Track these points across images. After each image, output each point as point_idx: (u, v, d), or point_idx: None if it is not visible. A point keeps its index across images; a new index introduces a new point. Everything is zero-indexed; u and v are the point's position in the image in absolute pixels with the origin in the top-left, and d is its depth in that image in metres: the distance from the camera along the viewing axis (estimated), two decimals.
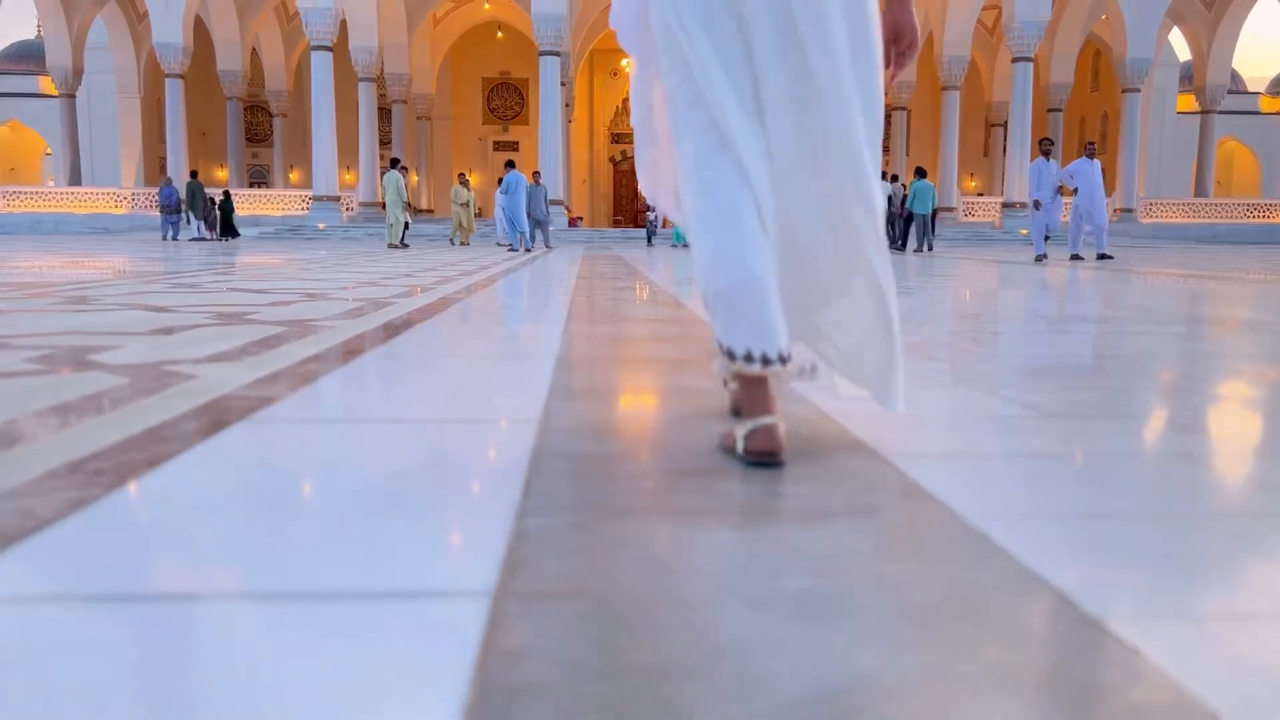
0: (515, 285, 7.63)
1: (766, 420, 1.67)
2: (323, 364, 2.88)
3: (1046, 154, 14.06)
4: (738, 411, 1.92)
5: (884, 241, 1.76)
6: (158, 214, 30.63)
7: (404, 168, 19.90)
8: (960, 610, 1.05)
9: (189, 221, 24.94)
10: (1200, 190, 37.92)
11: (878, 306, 1.76)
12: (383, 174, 20.86)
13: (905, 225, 20.75)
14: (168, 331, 3.70)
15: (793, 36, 1.65)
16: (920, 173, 21.22)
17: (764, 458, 1.66)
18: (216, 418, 2.03)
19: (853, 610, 1.05)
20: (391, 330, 3.92)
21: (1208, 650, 0.97)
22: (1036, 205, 14.04)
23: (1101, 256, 13.74)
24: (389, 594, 1.09)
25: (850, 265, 1.76)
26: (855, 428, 1.99)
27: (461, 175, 22.69)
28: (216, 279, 7.47)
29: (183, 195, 24.10)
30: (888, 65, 1.82)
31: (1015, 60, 28.97)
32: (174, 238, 23.83)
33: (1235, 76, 51.88)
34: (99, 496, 1.44)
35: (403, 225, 18.78)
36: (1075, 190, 14.01)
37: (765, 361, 1.67)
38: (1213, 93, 37.84)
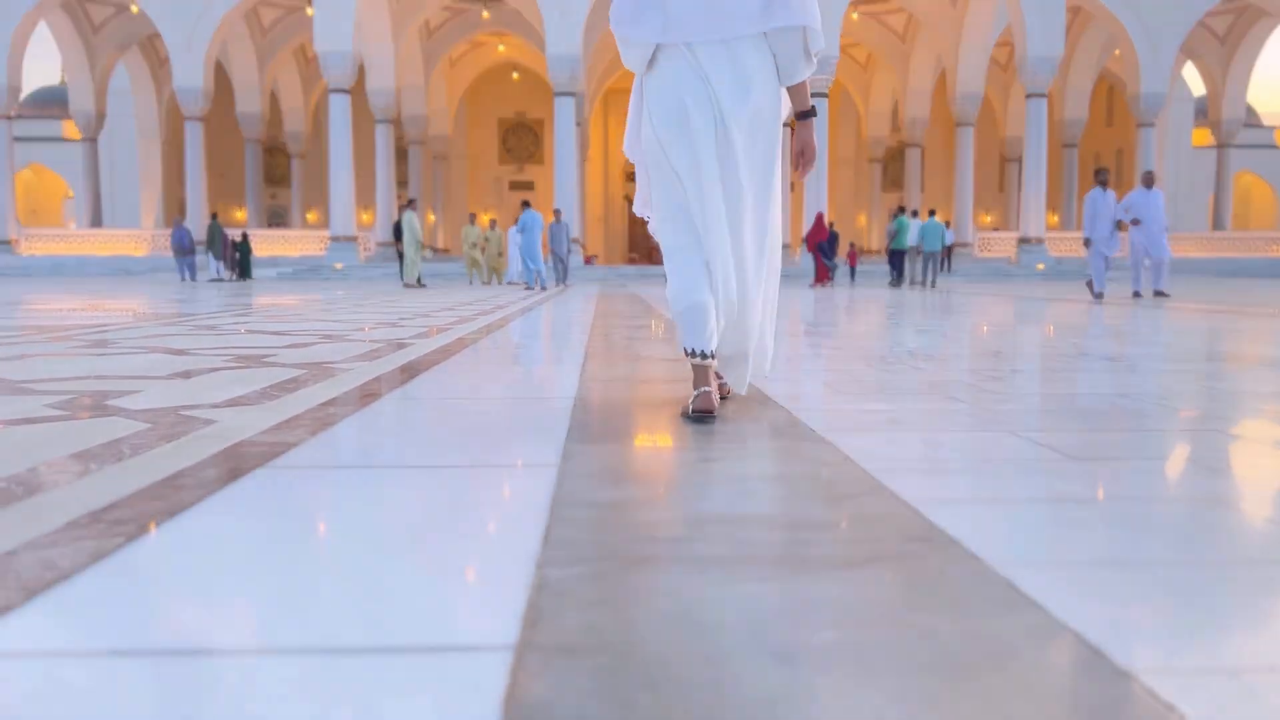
0: (532, 325, 7.65)
1: (705, 389, 2.69)
2: (341, 408, 2.88)
3: (1103, 184, 13.07)
4: (702, 409, 2.73)
5: (766, 268, 2.83)
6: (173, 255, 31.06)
7: (409, 201, 20.11)
8: (989, 662, 1.04)
9: (208, 261, 25.24)
10: (1218, 224, 37.83)
11: (759, 311, 2.87)
12: (400, 214, 21.08)
13: (896, 261, 21.77)
14: (186, 375, 3.72)
15: (727, 151, 2.69)
16: (930, 213, 22.20)
17: (702, 414, 2.65)
18: (235, 464, 2.03)
19: (881, 663, 1.04)
20: (409, 372, 3.93)
21: (1247, 707, 0.95)
22: (1087, 243, 13.01)
23: (1158, 294, 12.91)
24: (410, 649, 1.08)
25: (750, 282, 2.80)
26: (877, 471, 1.97)
27: (472, 216, 22.91)
28: (235, 320, 7.52)
29: (202, 237, 24.35)
30: (796, 168, 2.93)
31: (1029, 97, 29.05)
32: (191, 279, 24.06)
33: (1250, 111, 51.95)
34: (120, 546, 1.43)
35: (418, 264, 18.92)
36: (1134, 222, 13.08)
37: (703, 356, 2.72)
38: (1228, 127, 37.83)
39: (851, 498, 1.79)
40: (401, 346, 5.13)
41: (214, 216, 25.69)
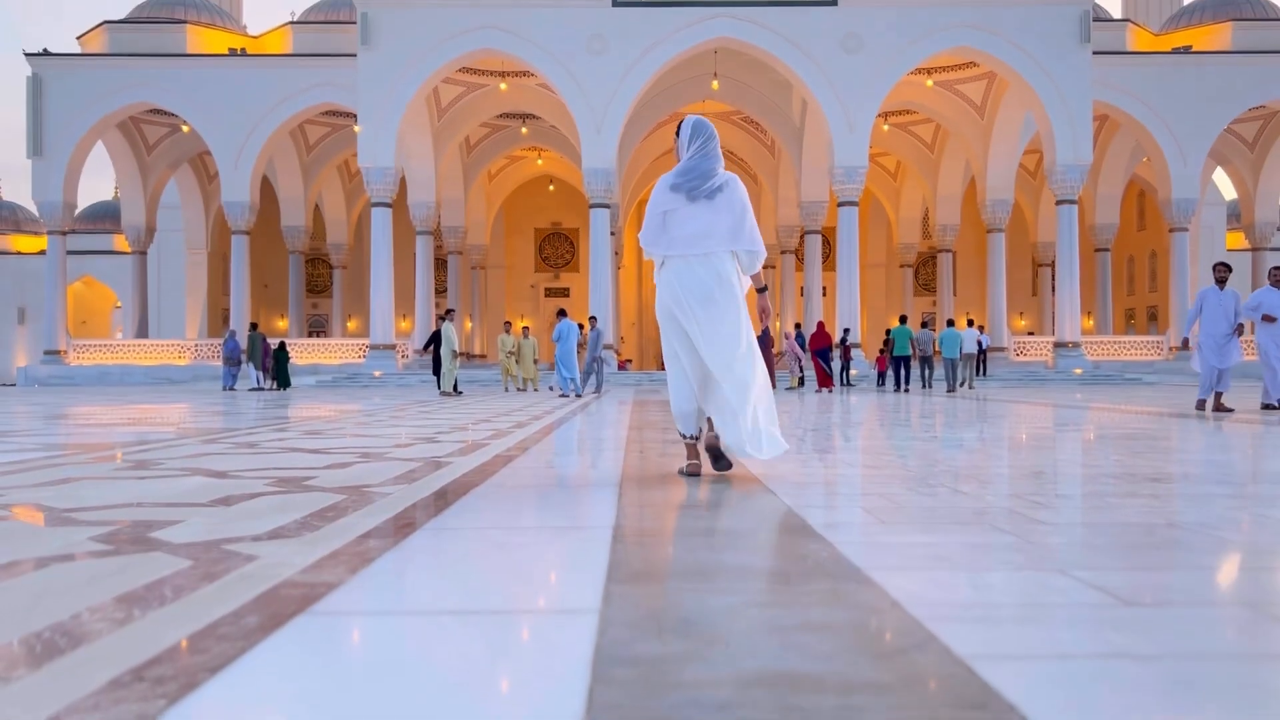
0: (567, 440, 7.65)
1: (694, 461, 4.69)
2: (379, 540, 2.88)
3: (1222, 281, 11.35)
4: (692, 470, 4.70)
5: (738, 376, 4.40)
6: (218, 364, 31.66)
7: (448, 310, 20.47)
8: None
9: (249, 370, 25.70)
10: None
11: (740, 405, 4.42)
12: (438, 323, 21.43)
13: (897, 368, 22.73)
14: (227, 502, 3.74)
15: (707, 314, 4.39)
16: (948, 322, 23.96)
17: (691, 471, 4.64)
18: (275, 610, 2.03)
19: None
20: (446, 498, 3.93)
21: None
22: (1185, 344, 11.62)
23: (1266, 407, 11.28)
24: None
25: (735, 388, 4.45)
26: (927, 619, 1.92)
27: (507, 324, 23.23)
28: (274, 437, 7.60)
29: (244, 345, 24.85)
30: (761, 320, 4.88)
31: (1059, 203, 29.32)
32: (232, 387, 24.45)
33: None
34: (161, 711, 1.42)
35: (453, 373, 19.14)
36: (1266, 319, 11.10)
37: (691, 438, 4.70)
38: (1261, 230, 37.84)
39: (902, 653, 1.74)
40: (439, 466, 5.14)
41: (254, 326, 26.25)
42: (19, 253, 50.92)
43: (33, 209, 53.72)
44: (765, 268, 38.94)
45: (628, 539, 2.95)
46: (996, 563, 2.59)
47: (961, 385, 22.41)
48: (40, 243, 51.76)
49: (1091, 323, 40.73)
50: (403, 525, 3.18)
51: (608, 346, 29.38)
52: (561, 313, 19.30)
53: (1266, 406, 11.36)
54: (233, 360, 24.75)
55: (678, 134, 4.66)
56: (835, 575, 2.41)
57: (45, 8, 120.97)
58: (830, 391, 21.51)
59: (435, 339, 19.64)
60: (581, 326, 19.93)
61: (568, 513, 3.75)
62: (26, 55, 32.01)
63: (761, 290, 4.74)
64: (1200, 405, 11.37)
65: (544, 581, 2.44)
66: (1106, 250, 39.22)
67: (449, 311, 20.47)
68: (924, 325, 24.64)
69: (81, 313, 50.55)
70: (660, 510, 3.68)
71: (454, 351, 19.04)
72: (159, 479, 4.59)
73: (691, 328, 4.42)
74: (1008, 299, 42.77)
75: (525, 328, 24.35)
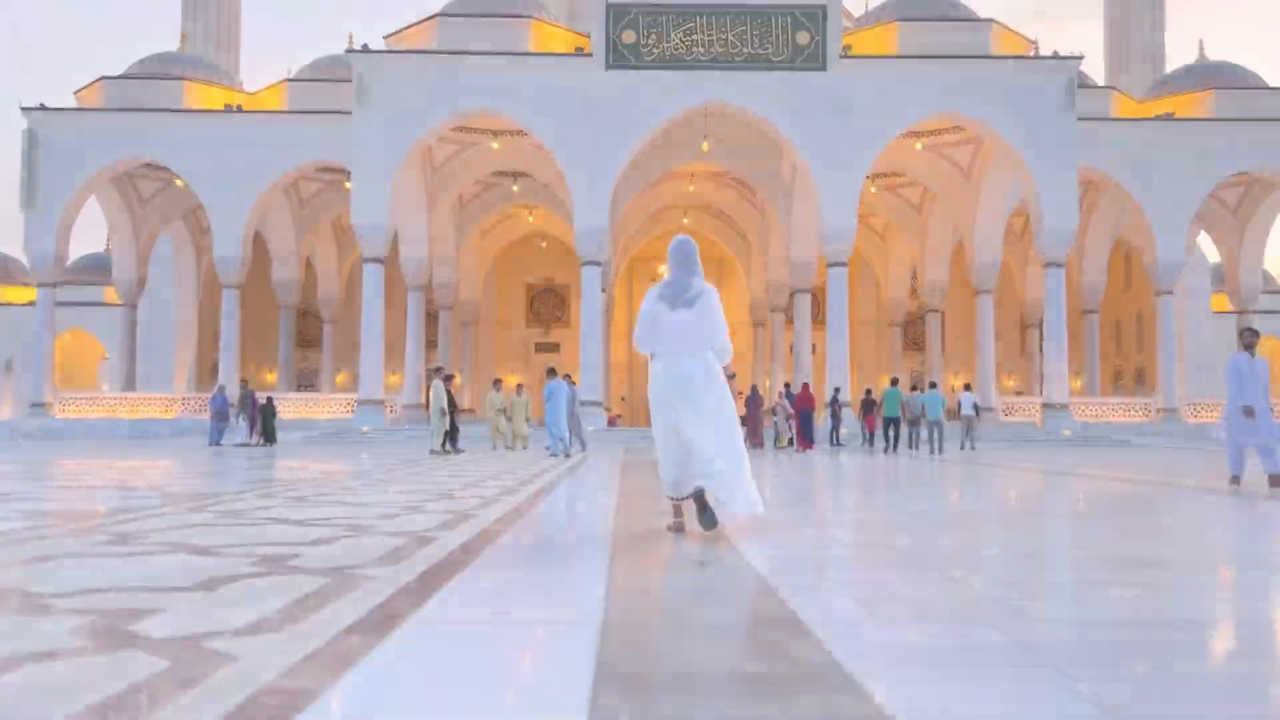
0: (554, 509, 7.59)
1: (679, 519, 5.69)
2: (361, 637, 2.82)
3: (1250, 348, 10.39)
4: (678, 527, 5.66)
5: (722, 451, 5.44)
6: (204, 418, 31.53)
7: (448, 375, 20.37)
8: None
9: (237, 425, 25.56)
10: None
11: (720, 471, 5.42)
12: (427, 378, 21.30)
13: (886, 430, 22.65)
14: (209, 586, 3.68)
15: (691, 393, 5.47)
16: (931, 385, 24.11)
17: (676, 529, 5.63)
18: None
19: None
20: (431, 583, 3.87)
21: None
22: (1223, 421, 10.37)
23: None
24: None
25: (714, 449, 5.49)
26: None
27: (496, 382, 23.05)
28: (259, 504, 7.51)
29: (233, 400, 24.71)
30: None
31: (1047, 266, 29.58)
32: (219, 443, 24.27)
33: (1267, 277, 52.44)
34: None
35: (444, 431, 19.05)
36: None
37: (679, 498, 5.71)
38: (1246, 293, 38.19)
39: None
40: (425, 542, 5.08)
41: (244, 383, 26.11)
42: (9, 303, 50.79)
43: (24, 260, 53.97)
44: (756, 325, 38.98)
45: (615, 635, 2.91)
46: (990, 664, 2.56)
47: (962, 449, 22.62)
48: (31, 293, 51.56)
49: (1080, 384, 40.91)
50: (386, 617, 3.13)
51: (595, 403, 29.36)
52: (551, 371, 19.29)
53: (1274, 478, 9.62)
54: (221, 415, 24.60)
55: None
56: (827, 685, 2.37)
57: (45, 63, 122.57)
58: (808, 451, 22.14)
59: (450, 399, 19.49)
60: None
61: (554, 599, 3.70)
62: (23, 109, 32.25)
63: (730, 378, 5.92)
64: (1234, 480, 10.03)
65: (528, 686, 2.40)
66: (1094, 312, 39.49)
67: (437, 369, 20.38)
68: (914, 388, 24.71)
69: (69, 365, 50.28)
70: (649, 599, 3.63)
71: (443, 410, 18.96)
72: (142, 556, 4.52)
73: (680, 411, 5.46)
74: (999, 359, 43.27)
75: (519, 385, 24.27)
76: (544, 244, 47.12)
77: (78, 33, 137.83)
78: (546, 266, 49.44)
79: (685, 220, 42.63)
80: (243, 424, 25.44)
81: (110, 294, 47.06)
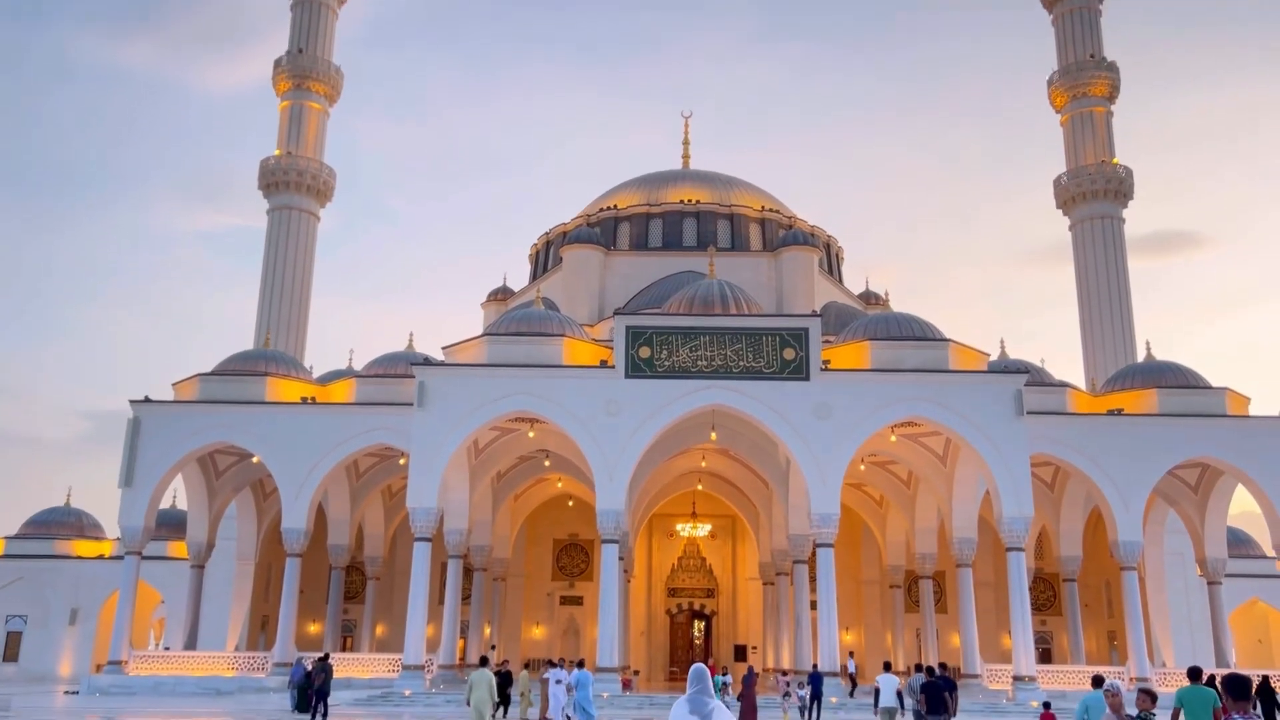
0: None
1: None
2: None
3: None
4: None
5: None
6: (261, 675, 35.49)
7: (500, 671, 23.51)
8: None
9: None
10: (1220, 659, 39.83)
11: None
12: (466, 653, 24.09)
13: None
14: None
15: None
16: (886, 665, 25.13)
17: None
18: None
19: None
20: None
21: None
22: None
23: None
24: None
25: None
26: None
27: (484, 658, 23.83)
28: None
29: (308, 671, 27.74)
30: None
31: (1009, 550, 33.52)
32: (298, 709, 27.90)
33: (1251, 541, 55.32)
34: None
35: (489, 716, 21.91)
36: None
37: None
38: (1213, 566, 41.29)
39: None
40: None
41: (325, 657, 28.39)
42: (79, 557, 55.18)
43: (94, 514, 59.11)
44: (765, 583, 42.14)
45: None
46: None
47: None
48: (99, 547, 56.29)
49: (1066, 646, 43.59)
50: None
51: (609, 670, 32.67)
52: (579, 663, 23.13)
53: None
54: (300, 686, 28.26)
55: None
56: None
57: (151, 362, 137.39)
58: None
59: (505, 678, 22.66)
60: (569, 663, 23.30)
61: None
62: (131, 402, 38.01)
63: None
64: None
65: None
66: (1073, 581, 42.79)
67: (483, 659, 23.87)
68: (918, 669, 25.79)
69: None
70: None
71: (494, 700, 21.93)
72: None
73: None
74: (995, 618, 46.32)
75: (552, 661, 27.60)
76: (571, 503, 51.51)
77: (152, 327, 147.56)
78: (572, 523, 53.53)
79: (699, 486, 47.32)
80: (291, 692, 28.93)
81: (173, 548, 51.57)
